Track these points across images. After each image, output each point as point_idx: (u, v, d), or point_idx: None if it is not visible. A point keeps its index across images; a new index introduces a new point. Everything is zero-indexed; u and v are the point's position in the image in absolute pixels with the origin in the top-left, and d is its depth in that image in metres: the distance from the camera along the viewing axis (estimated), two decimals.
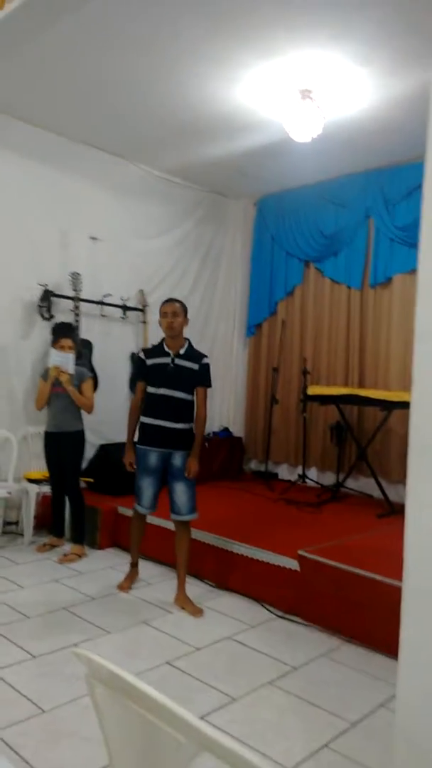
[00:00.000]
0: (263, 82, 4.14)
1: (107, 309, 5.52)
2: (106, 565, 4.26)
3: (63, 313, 5.12)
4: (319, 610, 3.38)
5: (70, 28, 3.58)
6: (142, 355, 3.65)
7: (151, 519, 4.36)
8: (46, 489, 4.56)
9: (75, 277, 5.10)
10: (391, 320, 5.58)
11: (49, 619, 3.33)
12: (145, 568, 4.09)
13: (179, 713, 0.97)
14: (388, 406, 4.92)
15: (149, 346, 3.71)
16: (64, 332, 4.48)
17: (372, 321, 5.76)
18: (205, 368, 3.58)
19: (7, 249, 4.86)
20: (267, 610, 3.55)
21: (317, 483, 5.87)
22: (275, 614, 3.50)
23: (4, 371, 4.91)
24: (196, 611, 3.46)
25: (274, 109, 4.49)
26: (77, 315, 5.10)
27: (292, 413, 6.23)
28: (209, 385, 3.61)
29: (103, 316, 5.51)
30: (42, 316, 5.06)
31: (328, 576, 3.40)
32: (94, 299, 5.38)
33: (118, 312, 5.62)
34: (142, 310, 5.80)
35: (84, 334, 5.17)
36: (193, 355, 3.58)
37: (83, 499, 4.46)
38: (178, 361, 3.52)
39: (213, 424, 6.37)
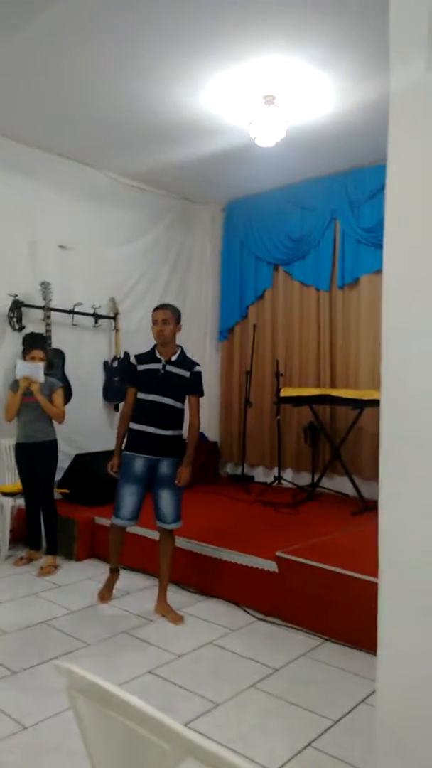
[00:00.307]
0: (227, 88, 4.18)
1: (78, 318, 5.48)
2: (85, 576, 4.22)
3: (34, 323, 5.07)
4: (298, 610, 3.41)
5: (32, 35, 3.57)
6: (133, 360, 3.58)
7: (132, 528, 4.35)
8: (21, 502, 4.50)
9: (45, 287, 5.05)
10: (360, 320, 5.66)
11: (27, 634, 3.29)
12: (125, 577, 4.07)
13: (162, 720, 0.97)
14: (360, 404, 5.00)
15: (143, 351, 3.61)
16: (34, 344, 4.43)
17: (341, 321, 5.83)
18: (197, 376, 3.54)
19: None
20: (247, 613, 3.56)
21: (293, 484, 5.92)
22: (255, 617, 3.52)
23: None
24: (177, 618, 3.45)
25: (238, 114, 4.53)
26: (48, 325, 5.05)
27: (266, 416, 6.27)
28: (202, 394, 3.58)
29: (74, 325, 5.47)
30: (12, 326, 5.00)
31: (306, 576, 3.43)
32: (65, 308, 5.34)
33: (90, 321, 5.59)
34: (113, 318, 5.78)
35: (55, 343, 5.12)
36: (185, 362, 3.54)
37: (56, 509, 4.41)
38: (169, 367, 3.48)
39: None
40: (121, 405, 5.74)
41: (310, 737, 2.35)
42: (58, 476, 4.71)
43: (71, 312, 5.40)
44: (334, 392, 5.30)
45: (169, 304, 3.66)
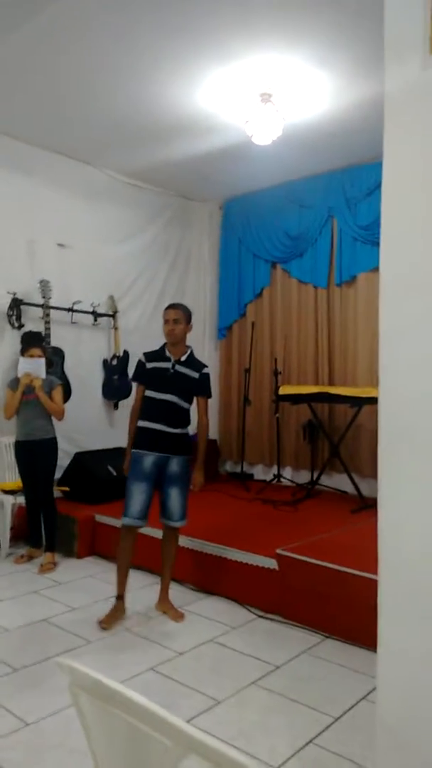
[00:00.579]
0: (223, 86, 4.18)
1: (77, 316, 5.49)
2: (86, 574, 4.23)
3: (33, 321, 5.07)
4: (299, 607, 3.42)
5: (30, 34, 3.57)
6: (142, 357, 3.55)
7: (147, 530, 4.33)
8: (22, 500, 4.51)
9: (44, 285, 5.06)
10: (357, 318, 5.67)
11: (29, 631, 3.30)
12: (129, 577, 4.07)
13: (164, 717, 0.98)
14: (358, 402, 5.01)
15: (152, 349, 3.58)
16: (32, 342, 4.44)
17: (339, 319, 5.84)
18: (206, 378, 3.56)
19: None
20: (248, 610, 3.57)
21: (292, 482, 5.93)
22: (256, 614, 3.53)
23: None
24: (178, 615, 3.46)
25: (234, 112, 4.53)
26: (47, 323, 5.06)
27: (265, 414, 6.28)
28: (210, 395, 3.61)
29: (73, 323, 5.47)
30: (11, 324, 5.01)
31: (306, 573, 3.44)
32: (64, 306, 5.35)
33: (89, 318, 5.59)
34: (112, 316, 5.78)
35: (55, 342, 5.13)
36: (194, 363, 3.55)
37: (56, 506, 4.42)
38: (178, 367, 3.48)
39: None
40: (120, 403, 5.80)
41: (311, 734, 2.37)
42: (58, 474, 4.72)
43: (70, 310, 5.41)
44: (333, 390, 5.31)
45: (180, 303, 3.67)
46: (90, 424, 5.60)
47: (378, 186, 5.48)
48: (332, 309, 5.88)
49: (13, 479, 4.65)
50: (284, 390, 5.50)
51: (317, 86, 4.18)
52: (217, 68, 3.95)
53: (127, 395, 5.82)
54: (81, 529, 4.60)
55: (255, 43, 3.65)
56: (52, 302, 5.12)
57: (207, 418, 3.59)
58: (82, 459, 5.26)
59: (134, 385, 3.62)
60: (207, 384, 3.57)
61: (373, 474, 5.29)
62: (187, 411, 3.54)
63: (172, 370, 3.47)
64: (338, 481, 5.66)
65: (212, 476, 6.29)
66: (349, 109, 4.51)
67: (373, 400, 4.59)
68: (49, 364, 4.57)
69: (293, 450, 6.09)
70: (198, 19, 3.41)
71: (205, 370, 3.57)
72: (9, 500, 4.52)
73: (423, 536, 1.49)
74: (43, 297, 5.05)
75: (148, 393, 3.50)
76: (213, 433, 6.66)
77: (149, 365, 3.50)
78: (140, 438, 3.48)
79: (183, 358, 3.51)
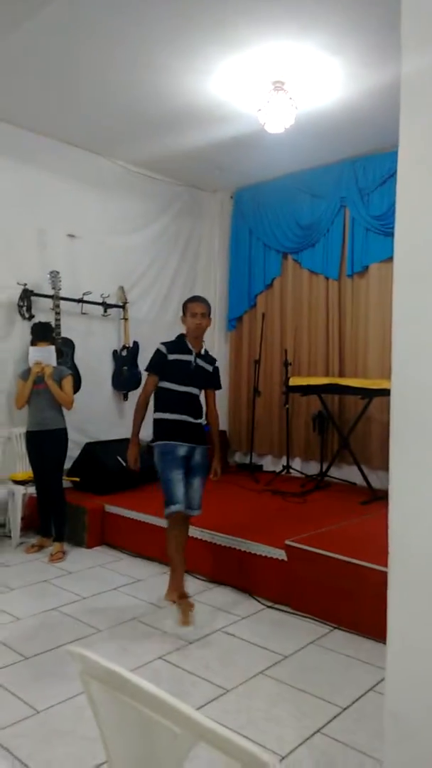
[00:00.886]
0: (236, 74, 4.14)
1: (87, 307, 5.49)
2: (95, 563, 4.26)
3: (43, 312, 5.09)
4: (307, 598, 3.43)
5: (42, 23, 3.55)
6: (163, 348, 3.48)
7: (148, 518, 4.38)
8: (33, 490, 4.54)
9: (54, 276, 5.06)
10: (369, 309, 5.63)
11: (40, 620, 3.33)
12: (135, 565, 4.11)
13: (174, 705, 0.99)
14: (369, 394, 4.98)
15: (170, 340, 3.54)
16: (41, 334, 4.45)
17: (350, 310, 5.80)
18: (217, 371, 3.67)
19: None
20: (257, 601, 3.58)
21: (301, 473, 5.93)
22: (265, 605, 3.54)
23: None
24: (188, 605, 3.48)
25: (247, 100, 4.50)
26: (57, 314, 5.07)
27: (275, 405, 6.27)
28: (220, 387, 3.72)
29: (83, 314, 5.48)
30: (22, 315, 5.02)
31: (315, 564, 3.45)
32: (74, 297, 5.35)
33: (99, 309, 5.59)
34: (122, 307, 5.78)
35: (65, 332, 5.14)
36: (209, 356, 3.62)
37: (65, 496, 4.45)
38: (199, 360, 3.52)
39: None
40: (130, 394, 5.81)
41: (319, 724, 2.38)
42: (68, 465, 4.75)
43: (80, 301, 5.41)
44: (343, 381, 5.29)
45: (204, 297, 3.68)
46: (100, 415, 5.62)
47: (391, 175, 5.45)
48: (343, 300, 5.85)
49: (24, 470, 4.68)
50: (294, 381, 5.49)
51: (330, 74, 4.14)
52: (230, 56, 3.91)
53: (136, 386, 5.83)
54: (90, 519, 4.63)
55: (267, 31, 3.61)
56: (62, 293, 5.13)
57: (217, 409, 3.67)
58: (92, 449, 5.28)
59: (145, 374, 3.56)
60: (219, 377, 3.70)
61: (383, 466, 5.30)
62: (201, 402, 3.60)
63: (194, 364, 3.50)
64: (348, 472, 5.65)
65: (222, 467, 6.30)
66: (362, 98, 4.46)
67: (384, 392, 4.57)
68: (60, 355, 4.58)
69: (303, 441, 6.08)
70: (211, 6, 3.38)
71: (217, 364, 3.68)
72: (20, 490, 4.55)
73: None
74: (53, 288, 5.06)
75: (167, 385, 3.46)
76: (222, 424, 6.66)
77: (171, 357, 3.46)
78: (170, 429, 3.43)
79: (202, 352, 3.56)
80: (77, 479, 5.11)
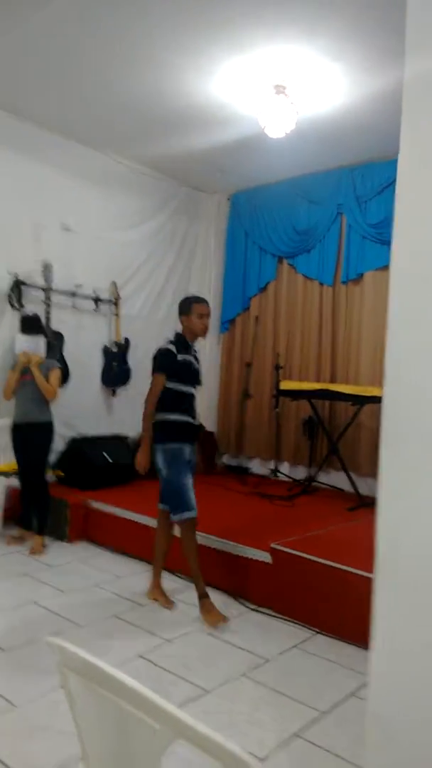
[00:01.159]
0: (237, 76, 4.14)
1: (79, 301, 5.46)
2: (76, 558, 4.22)
3: (33, 303, 5.04)
4: (291, 602, 3.41)
5: (45, 18, 3.53)
6: (173, 348, 3.38)
7: (132, 516, 4.35)
8: (16, 482, 4.49)
9: (46, 267, 5.03)
10: (363, 317, 5.64)
11: (18, 614, 3.28)
12: (118, 563, 4.07)
13: (153, 700, 0.97)
14: (359, 400, 4.98)
15: (171, 339, 3.46)
16: (28, 329, 4.40)
17: (343, 317, 5.81)
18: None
19: None
20: (240, 603, 3.56)
21: (289, 477, 5.92)
22: (248, 607, 3.52)
23: None
24: (168, 603, 3.46)
25: (248, 103, 4.50)
26: (48, 306, 5.03)
27: (265, 408, 6.26)
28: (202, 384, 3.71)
29: (74, 307, 5.44)
30: (12, 305, 4.97)
31: (300, 568, 3.43)
32: (66, 290, 5.32)
33: (90, 304, 5.56)
34: (114, 303, 5.75)
35: (55, 325, 5.11)
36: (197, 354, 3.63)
37: (48, 489, 4.41)
38: (195, 360, 3.53)
39: None
40: (119, 390, 5.78)
41: (298, 727, 2.36)
42: (53, 458, 4.70)
43: (72, 294, 5.37)
44: (334, 387, 5.28)
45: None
46: (87, 410, 5.59)
47: (389, 184, 5.47)
48: (337, 306, 5.85)
49: (8, 461, 4.63)
50: (285, 385, 5.48)
51: (331, 80, 4.14)
52: (233, 57, 3.90)
53: (125, 382, 5.81)
54: (73, 514, 4.59)
55: (270, 34, 3.61)
56: (55, 286, 5.09)
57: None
58: (78, 444, 5.25)
59: (153, 375, 3.39)
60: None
61: (371, 473, 5.30)
62: None
63: (196, 364, 3.51)
64: (336, 478, 5.65)
65: (209, 469, 6.29)
66: (362, 105, 4.47)
67: (375, 399, 4.57)
68: (49, 348, 4.54)
69: (292, 446, 6.07)
70: (214, 7, 3.38)
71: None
72: (2, 482, 4.51)
73: (423, 534, 1.48)
74: (46, 280, 5.02)
75: (175, 385, 3.38)
76: (212, 425, 6.65)
77: (180, 357, 3.40)
78: (179, 431, 3.38)
79: (197, 350, 3.56)
80: (62, 473, 5.07)
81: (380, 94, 4.23)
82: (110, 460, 5.22)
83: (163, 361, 3.37)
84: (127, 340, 5.78)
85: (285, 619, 3.36)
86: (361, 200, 5.58)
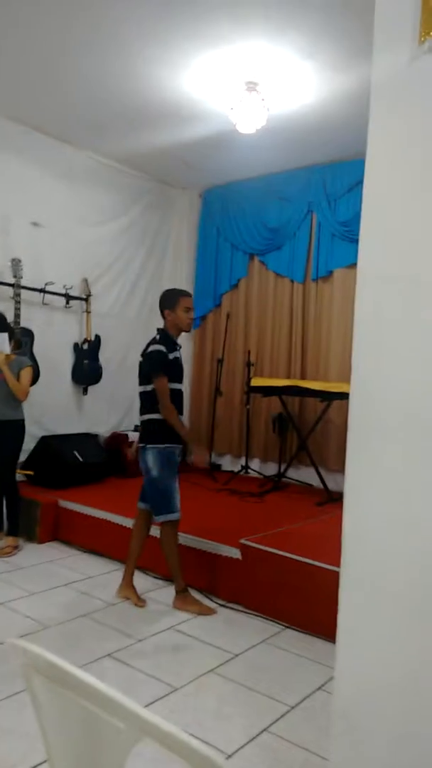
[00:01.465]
0: (209, 72, 4.13)
1: (49, 297, 5.39)
2: (46, 559, 4.17)
3: (3, 300, 4.96)
4: (260, 597, 3.43)
5: (15, 10, 3.46)
6: (163, 348, 3.29)
7: (103, 515, 4.32)
8: None
9: (15, 264, 4.94)
10: (332, 314, 5.70)
11: None
12: (85, 561, 4.04)
13: (117, 700, 0.96)
14: (328, 396, 5.04)
15: (158, 338, 3.38)
16: None
17: (313, 314, 5.86)
18: None
19: None
20: (209, 599, 3.57)
21: (259, 473, 5.95)
22: (217, 603, 3.53)
23: None
24: (139, 602, 3.45)
25: (219, 99, 4.49)
26: (18, 303, 4.95)
27: (236, 405, 6.28)
28: None
29: (44, 304, 5.37)
30: None
31: (269, 564, 3.45)
32: (36, 287, 5.24)
33: (61, 301, 5.49)
34: (85, 300, 5.69)
35: (24, 322, 5.03)
36: None
37: (18, 489, 4.35)
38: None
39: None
40: (90, 388, 5.73)
41: (267, 722, 2.38)
42: (23, 457, 4.63)
43: (42, 291, 5.30)
44: (304, 384, 5.33)
45: None
46: (58, 408, 5.52)
47: (358, 183, 5.51)
48: (307, 303, 5.90)
49: None
50: (256, 382, 5.50)
51: (303, 78, 4.16)
52: (205, 52, 3.88)
53: (97, 380, 5.76)
54: (43, 514, 4.53)
55: (244, 29, 3.60)
56: (24, 282, 5.02)
57: None
58: (48, 443, 5.18)
59: (154, 379, 3.29)
60: None
61: (340, 468, 5.36)
62: None
63: (180, 360, 3.43)
64: (305, 474, 5.70)
65: (180, 466, 6.26)
66: (332, 104, 4.51)
67: (343, 396, 4.63)
68: (18, 346, 4.47)
69: (262, 442, 6.10)
70: (188, 1, 3.35)
71: None
72: None
73: (387, 529, 1.50)
74: (14, 276, 4.94)
75: (171, 385, 3.32)
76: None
77: (171, 356, 3.33)
78: (171, 433, 3.32)
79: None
80: (31, 473, 5.00)
81: (350, 93, 4.27)
82: (81, 459, 5.17)
83: (159, 364, 3.28)
84: (98, 338, 5.73)
85: (254, 615, 3.39)
86: (331, 198, 5.63)
